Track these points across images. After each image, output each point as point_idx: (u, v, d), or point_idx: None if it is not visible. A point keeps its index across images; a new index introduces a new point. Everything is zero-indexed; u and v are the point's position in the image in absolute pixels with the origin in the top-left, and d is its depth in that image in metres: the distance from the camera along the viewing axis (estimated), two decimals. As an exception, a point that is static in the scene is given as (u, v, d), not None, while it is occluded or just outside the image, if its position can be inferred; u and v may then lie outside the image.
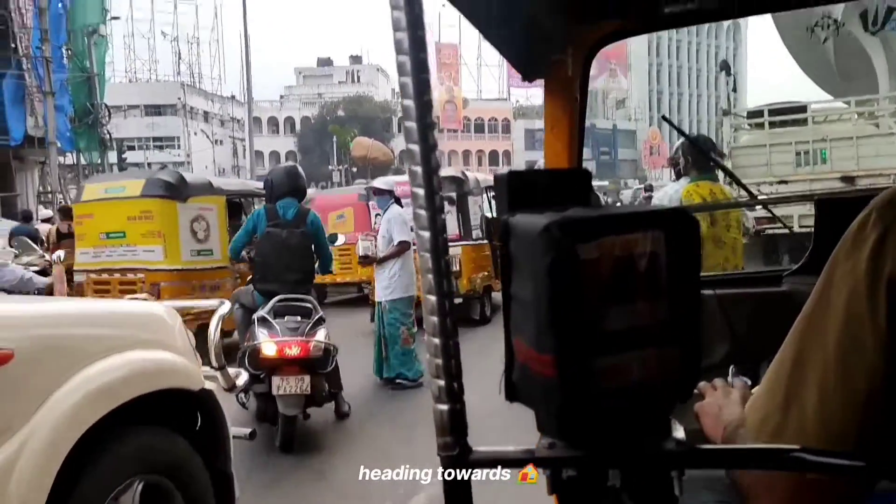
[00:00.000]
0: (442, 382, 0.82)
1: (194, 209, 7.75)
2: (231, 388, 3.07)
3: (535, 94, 74.15)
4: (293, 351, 4.54)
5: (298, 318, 4.79)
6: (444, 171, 11.32)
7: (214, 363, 3.00)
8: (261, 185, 11.00)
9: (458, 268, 9.56)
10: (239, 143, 57.72)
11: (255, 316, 4.87)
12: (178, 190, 7.58)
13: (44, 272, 6.97)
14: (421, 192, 0.83)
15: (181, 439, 2.65)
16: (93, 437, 2.20)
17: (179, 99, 53.62)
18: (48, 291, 5.98)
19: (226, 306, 3.24)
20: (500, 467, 0.87)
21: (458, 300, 9.44)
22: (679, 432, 0.85)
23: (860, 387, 0.83)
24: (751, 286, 2.27)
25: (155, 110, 54.73)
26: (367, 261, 6.64)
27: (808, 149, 12.51)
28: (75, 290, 7.68)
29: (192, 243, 7.72)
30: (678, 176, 5.19)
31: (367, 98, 60.32)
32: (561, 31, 1.57)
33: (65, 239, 9.72)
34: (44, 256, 7.83)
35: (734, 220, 4.78)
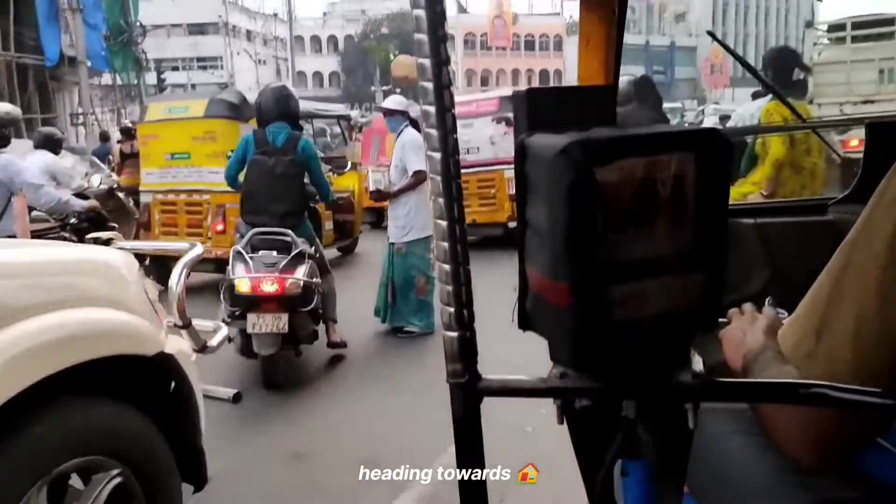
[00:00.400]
0: (452, 309, 0.81)
1: None
2: (202, 348, 2.71)
3: (588, 8, 71.72)
4: (269, 287, 4.37)
5: (275, 253, 4.58)
6: (501, 91, 11.12)
7: (178, 321, 2.59)
8: (321, 105, 11.05)
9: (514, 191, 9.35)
10: (282, 63, 57.42)
11: (232, 249, 4.70)
12: (240, 110, 7.43)
13: (110, 193, 6.83)
14: (432, 109, 0.80)
15: (134, 412, 2.27)
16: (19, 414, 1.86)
17: (220, 17, 53.23)
18: (87, 215, 5.89)
19: (197, 249, 2.82)
20: (511, 396, 0.86)
21: (513, 224, 9.26)
22: (697, 364, 0.83)
23: None
24: (795, 215, 2.21)
25: (198, 29, 54.57)
26: (379, 195, 5.99)
27: (893, 66, 11.64)
28: (142, 211, 7.92)
29: None
30: (756, 95, 4.79)
31: (412, 14, 59.44)
32: None
33: (128, 159, 9.86)
34: (111, 176, 7.91)
35: (815, 143, 4.44)
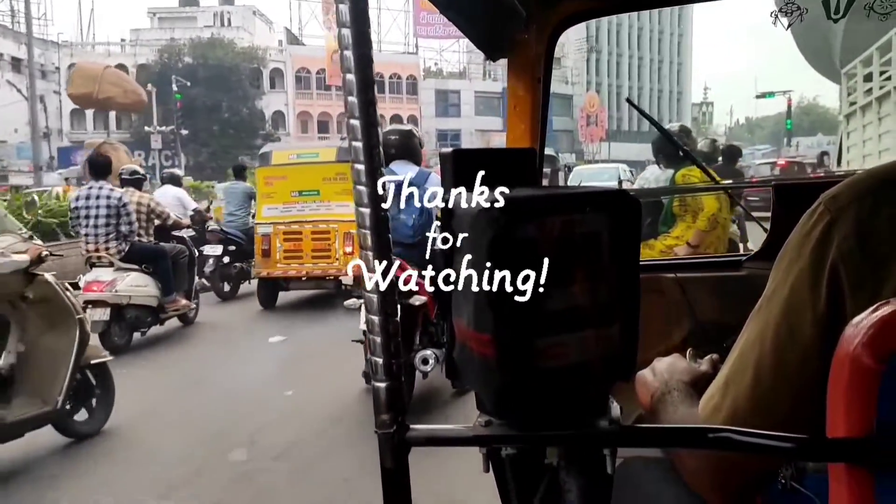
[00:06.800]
0: (380, 360, 1.03)
1: None
2: None
3: (449, 47, 74.59)
4: None
5: None
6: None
7: None
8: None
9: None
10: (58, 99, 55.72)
11: None
12: None
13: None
14: (362, 167, 1.04)
15: None
16: None
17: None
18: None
19: None
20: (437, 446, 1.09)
21: None
22: (615, 411, 1.09)
23: (793, 372, 1.10)
24: (711, 270, 2.67)
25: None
26: None
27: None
28: (261, 241, 11.77)
29: None
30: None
31: (224, 42, 58.71)
32: (525, 9, 1.86)
33: None
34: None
35: (725, 200, 6.22)
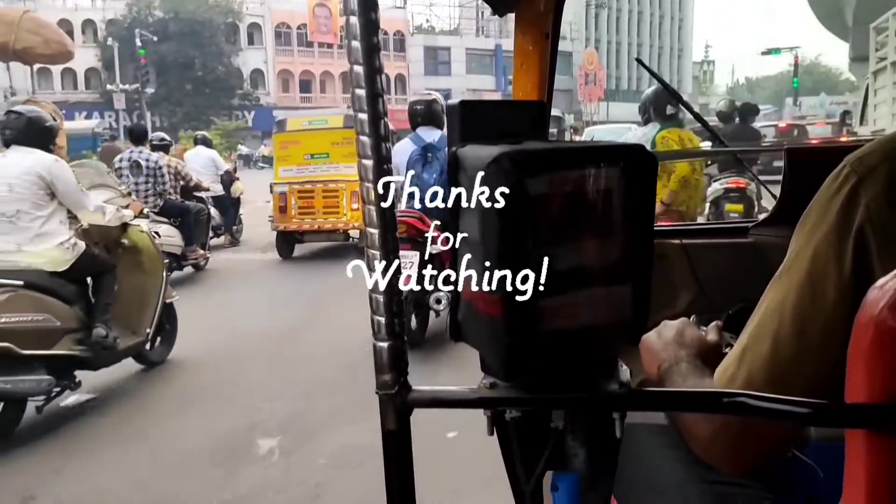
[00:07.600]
0: (383, 319, 1.03)
1: None
2: None
3: (439, 0, 73.91)
4: None
5: None
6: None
7: None
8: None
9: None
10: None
11: None
12: None
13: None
14: (364, 117, 1.02)
15: None
16: None
17: None
18: None
19: None
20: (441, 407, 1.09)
21: None
22: (625, 374, 1.10)
23: (814, 341, 1.10)
24: (717, 237, 2.71)
25: None
26: None
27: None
28: (277, 199, 13.85)
29: None
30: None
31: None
32: None
33: None
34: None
35: (699, 163, 7.36)
